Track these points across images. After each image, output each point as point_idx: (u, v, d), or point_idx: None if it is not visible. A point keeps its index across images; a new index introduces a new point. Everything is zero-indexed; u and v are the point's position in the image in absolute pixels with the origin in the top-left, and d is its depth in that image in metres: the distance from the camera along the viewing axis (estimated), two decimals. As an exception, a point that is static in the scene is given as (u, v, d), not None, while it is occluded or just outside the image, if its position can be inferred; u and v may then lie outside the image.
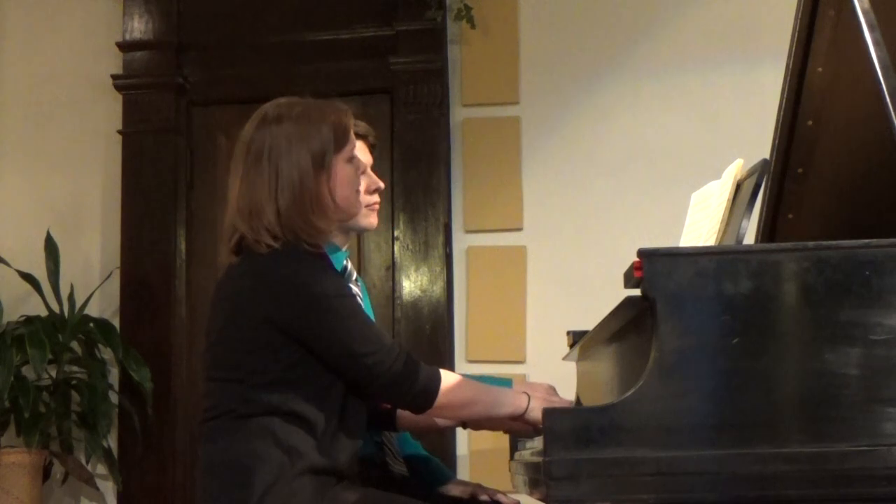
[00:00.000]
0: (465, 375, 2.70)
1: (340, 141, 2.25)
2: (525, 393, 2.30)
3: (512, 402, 2.28)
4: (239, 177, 2.24)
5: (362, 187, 2.56)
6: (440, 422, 2.54)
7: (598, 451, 1.84)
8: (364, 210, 2.62)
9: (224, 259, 2.26)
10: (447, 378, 2.23)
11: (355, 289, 2.68)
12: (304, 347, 2.13)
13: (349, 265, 2.70)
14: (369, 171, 2.67)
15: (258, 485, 2.07)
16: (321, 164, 2.21)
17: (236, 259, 2.23)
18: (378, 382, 2.17)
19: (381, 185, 2.69)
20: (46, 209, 4.55)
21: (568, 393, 2.87)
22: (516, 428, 2.40)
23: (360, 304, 2.24)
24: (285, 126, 2.23)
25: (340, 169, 2.25)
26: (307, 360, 2.14)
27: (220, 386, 2.19)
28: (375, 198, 2.66)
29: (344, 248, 2.69)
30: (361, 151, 2.67)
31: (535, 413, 2.24)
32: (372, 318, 2.83)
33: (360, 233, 2.73)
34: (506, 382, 2.67)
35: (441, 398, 2.20)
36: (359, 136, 2.66)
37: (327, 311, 2.13)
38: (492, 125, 4.36)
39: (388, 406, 2.54)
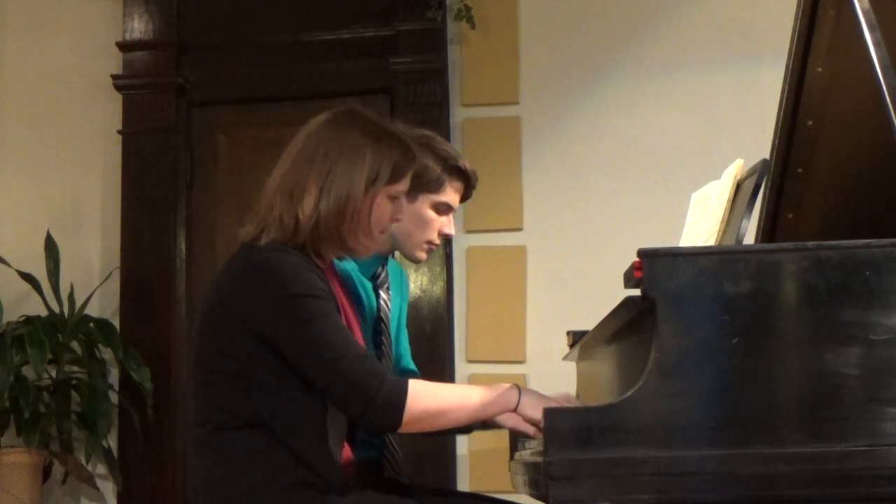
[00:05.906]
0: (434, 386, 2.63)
1: (395, 176, 2.20)
2: (516, 386, 2.16)
3: (500, 399, 2.13)
4: (292, 158, 2.18)
5: (435, 229, 2.61)
6: None
7: (598, 451, 1.84)
8: (424, 245, 2.65)
9: (242, 235, 2.20)
10: (417, 389, 2.06)
11: (384, 296, 2.67)
12: (273, 349, 2.05)
13: (384, 272, 2.69)
14: (451, 217, 2.68)
15: (248, 500, 2.03)
16: (370, 188, 2.17)
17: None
18: (335, 391, 2.03)
19: (453, 234, 2.70)
20: (46, 209, 4.55)
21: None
22: (518, 427, 2.22)
23: (334, 309, 2.10)
24: (355, 135, 2.18)
25: (381, 202, 2.20)
26: (281, 366, 2.06)
27: (202, 389, 2.14)
28: (438, 241, 2.68)
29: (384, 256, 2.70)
30: (453, 195, 2.67)
31: (527, 408, 2.12)
32: (401, 328, 2.79)
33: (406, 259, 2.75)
34: None
35: (410, 413, 2.03)
36: (464, 180, 2.68)
37: (294, 309, 2.04)
38: (492, 125, 4.36)
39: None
